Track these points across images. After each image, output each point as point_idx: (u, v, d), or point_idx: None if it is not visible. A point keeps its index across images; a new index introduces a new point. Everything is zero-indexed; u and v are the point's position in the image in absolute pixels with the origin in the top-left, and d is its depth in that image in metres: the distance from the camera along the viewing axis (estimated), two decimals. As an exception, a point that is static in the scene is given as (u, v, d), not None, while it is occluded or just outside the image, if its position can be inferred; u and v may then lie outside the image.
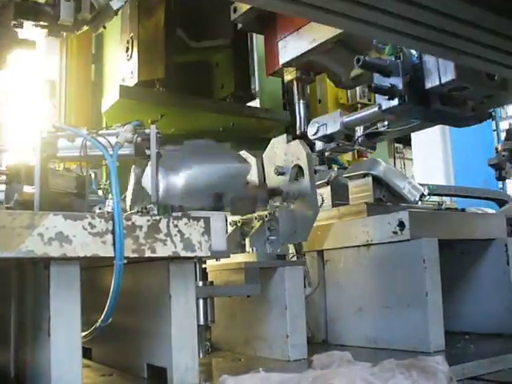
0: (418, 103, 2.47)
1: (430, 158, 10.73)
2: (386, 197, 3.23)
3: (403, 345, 2.79)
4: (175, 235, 2.11)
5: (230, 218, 3.17)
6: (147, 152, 2.30)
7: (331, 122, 3.06)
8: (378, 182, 3.20)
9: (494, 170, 3.05)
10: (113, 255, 1.98)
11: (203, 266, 2.65)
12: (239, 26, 3.70)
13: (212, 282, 2.63)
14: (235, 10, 3.61)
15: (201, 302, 2.55)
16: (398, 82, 2.46)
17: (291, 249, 2.95)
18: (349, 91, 5.54)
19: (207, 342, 3.05)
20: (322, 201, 3.26)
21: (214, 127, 4.69)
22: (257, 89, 5.24)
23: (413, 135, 12.34)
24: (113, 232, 1.98)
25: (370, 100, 5.51)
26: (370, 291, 2.96)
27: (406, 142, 13.15)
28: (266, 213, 2.91)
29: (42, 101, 4.83)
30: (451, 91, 2.49)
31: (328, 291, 3.22)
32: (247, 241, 2.88)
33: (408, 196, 3.24)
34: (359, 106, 5.42)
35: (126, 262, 2.00)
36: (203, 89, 4.93)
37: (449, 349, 2.73)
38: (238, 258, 2.88)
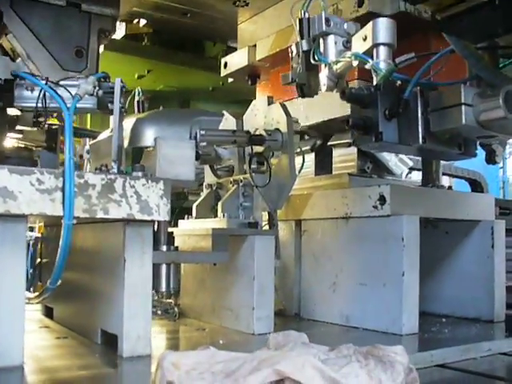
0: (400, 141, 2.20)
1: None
2: (371, 169, 3.08)
3: (375, 325, 2.66)
4: (131, 196, 1.97)
5: (206, 181, 3.04)
6: (110, 106, 2.14)
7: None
8: (363, 152, 3.04)
9: (484, 151, 2.90)
10: (61, 214, 1.84)
11: (169, 229, 2.50)
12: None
13: (177, 248, 2.48)
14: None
15: (163, 267, 2.42)
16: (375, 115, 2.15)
17: (265, 217, 2.82)
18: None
19: (175, 309, 2.97)
20: (301, 167, 3.09)
21: (204, 86, 4.51)
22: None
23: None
24: (63, 190, 1.84)
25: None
26: (346, 266, 2.83)
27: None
28: (241, 177, 2.76)
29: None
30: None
31: (303, 263, 3.09)
32: (219, 205, 2.73)
33: (394, 169, 3.09)
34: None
35: (75, 222, 1.86)
36: (194, 45, 4.74)
37: (422, 332, 2.60)
38: (208, 224, 2.74)
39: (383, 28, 2.11)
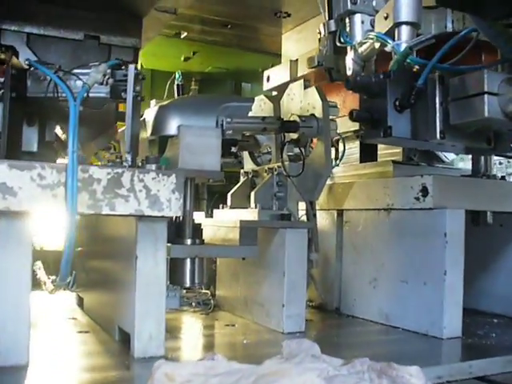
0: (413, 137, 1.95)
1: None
2: (418, 156, 2.87)
3: (415, 326, 2.49)
4: (140, 191, 1.84)
5: (242, 170, 2.90)
6: (124, 95, 2.02)
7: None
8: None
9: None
10: (64, 211, 1.74)
11: (196, 221, 2.37)
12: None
13: (203, 241, 2.36)
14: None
15: (188, 261, 2.30)
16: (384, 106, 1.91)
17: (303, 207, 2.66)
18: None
19: (211, 301, 2.87)
20: (342, 155, 2.92)
21: (254, 68, 4.34)
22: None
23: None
24: (65, 185, 1.73)
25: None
26: (387, 261, 2.65)
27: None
28: (275, 165, 2.61)
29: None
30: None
31: (344, 256, 2.92)
32: (252, 195, 2.59)
33: (444, 156, 2.88)
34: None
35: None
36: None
37: (466, 336, 2.41)
38: (240, 214, 2.61)
39: (405, 4, 1.81)
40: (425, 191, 2.43)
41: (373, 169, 2.90)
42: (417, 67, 1.89)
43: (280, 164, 2.58)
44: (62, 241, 1.79)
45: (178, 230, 2.31)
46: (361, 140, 2.08)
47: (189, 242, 2.30)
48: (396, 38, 1.87)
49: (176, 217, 2.28)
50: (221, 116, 2.29)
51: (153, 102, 2.79)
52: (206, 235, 2.47)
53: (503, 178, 2.82)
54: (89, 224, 2.65)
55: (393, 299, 2.61)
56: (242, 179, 2.89)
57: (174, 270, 2.31)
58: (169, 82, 3.74)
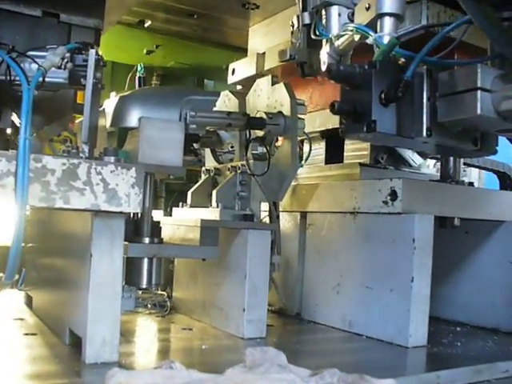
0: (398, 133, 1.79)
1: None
2: (386, 159, 2.79)
3: (380, 334, 2.40)
4: (97, 184, 1.71)
5: (204, 167, 2.79)
6: (83, 81, 1.89)
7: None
8: (377, 140, 2.76)
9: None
10: (13, 202, 1.60)
11: (155, 219, 2.25)
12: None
13: (162, 240, 2.24)
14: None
15: (145, 261, 2.18)
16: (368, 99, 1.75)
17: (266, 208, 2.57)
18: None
19: (168, 303, 2.75)
20: (308, 155, 2.83)
21: (218, 64, 4.22)
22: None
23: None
24: (15, 175, 1.60)
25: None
26: (352, 266, 2.56)
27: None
28: (239, 163, 2.51)
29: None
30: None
31: (307, 260, 2.83)
32: (213, 194, 2.48)
33: (412, 160, 2.80)
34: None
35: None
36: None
37: (431, 345, 2.33)
38: (201, 214, 2.50)
39: (389, -6, 1.73)
40: (394, 195, 2.34)
41: (339, 171, 2.81)
42: (403, 60, 1.79)
43: (244, 162, 2.47)
44: (10, 235, 1.66)
45: (135, 227, 2.19)
46: (341, 135, 1.92)
47: (147, 240, 2.18)
48: (378, 30, 1.78)
49: (134, 214, 2.16)
50: (184, 109, 2.18)
51: (113, 93, 2.67)
52: (165, 234, 2.35)
53: (471, 183, 2.75)
54: (40, 218, 2.51)
55: (357, 306, 2.52)
56: (202, 177, 2.77)
57: (130, 269, 2.18)
58: (130, 74, 3.61)
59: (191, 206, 2.69)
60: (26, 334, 2.17)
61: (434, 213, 2.38)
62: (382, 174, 2.63)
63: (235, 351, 2.14)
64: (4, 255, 1.79)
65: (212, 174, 2.71)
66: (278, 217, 2.53)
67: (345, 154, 2.89)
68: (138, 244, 2.13)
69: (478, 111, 1.59)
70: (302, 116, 2.49)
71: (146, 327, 2.47)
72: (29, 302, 2.70)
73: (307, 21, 2.05)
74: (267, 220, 2.54)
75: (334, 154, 2.94)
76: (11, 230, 1.66)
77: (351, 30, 1.84)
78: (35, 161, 1.63)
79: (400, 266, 2.33)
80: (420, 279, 2.30)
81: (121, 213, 1.79)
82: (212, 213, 2.44)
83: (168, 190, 4.07)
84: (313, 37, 2.01)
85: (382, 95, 1.71)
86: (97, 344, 1.81)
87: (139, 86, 3.47)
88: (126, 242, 2.01)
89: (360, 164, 2.71)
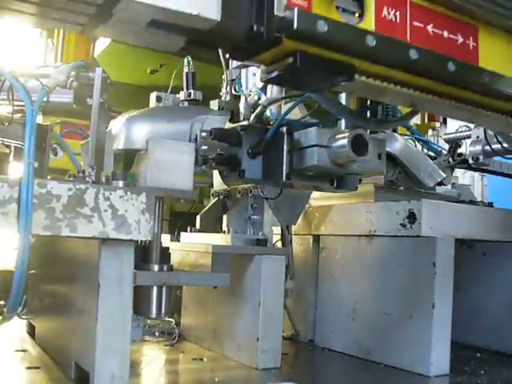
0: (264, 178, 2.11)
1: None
2: (400, 179, 2.70)
3: (400, 362, 2.30)
4: (105, 211, 1.62)
5: (213, 189, 2.69)
6: (89, 101, 1.80)
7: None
8: (391, 160, 2.67)
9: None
10: (16, 231, 1.51)
11: (164, 245, 2.15)
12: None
13: (171, 267, 2.13)
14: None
15: (154, 289, 2.07)
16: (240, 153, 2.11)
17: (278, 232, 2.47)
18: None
19: (176, 330, 2.65)
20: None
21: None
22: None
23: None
24: (19, 201, 1.50)
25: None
26: (369, 292, 2.47)
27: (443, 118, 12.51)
28: (250, 186, 2.42)
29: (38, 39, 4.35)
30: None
31: (321, 284, 2.73)
32: (224, 218, 2.39)
33: (426, 180, 2.70)
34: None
35: (33, 239, 1.53)
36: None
37: (454, 374, 2.23)
38: (211, 239, 2.40)
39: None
40: (412, 217, 2.26)
41: (352, 192, 2.71)
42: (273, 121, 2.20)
43: (255, 185, 2.38)
44: (13, 264, 1.56)
45: (143, 253, 2.08)
46: (223, 181, 2.34)
47: (156, 267, 2.07)
48: (268, 93, 2.22)
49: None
50: (195, 128, 2.09)
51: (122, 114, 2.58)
52: (174, 260, 2.24)
53: (490, 204, 2.66)
54: (44, 241, 2.41)
55: (374, 332, 2.42)
56: (211, 200, 2.67)
57: (139, 298, 2.07)
58: (175, 72, 3.38)
59: (200, 231, 2.59)
60: (29, 368, 2.06)
61: (455, 235, 2.29)
62: (396, 196, 2.54)
63: (251, 382, 2.04)
64: (4, 279, 1.69)
65: (221, 197, 2.61)
66: (290, 241, 2.43)
67: (358, 174, 2.79)
68: (147, 272, 2.03)
69: (315, 162, 1.94)
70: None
71: (154, 357, 2.37)
72: (31, 331, 2.59)
73: (233, 77, 2.46)
74: (279, 244, 2.44)
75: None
76: (14, 257, 1.57)
77: (255, 92, 2.29)
78: (39, 186, 1.54)
79: (420, 291, 2.24)
80: (441, 305, 2.21)
81: (130, 240, 1.69)
82: (223, 238, 2.35)
83: (172, 212, 3.96)
84: (233, 92, 2.45)
85: (249, 150, 2.07)
86: (105, 380, 1.71)
87: (187, 84, 3.24)
88: (134, 270, 1.91)
89: (374, 185, 2.61)
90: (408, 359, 2.27)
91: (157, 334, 2.70)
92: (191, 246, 2.37)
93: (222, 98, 2.62)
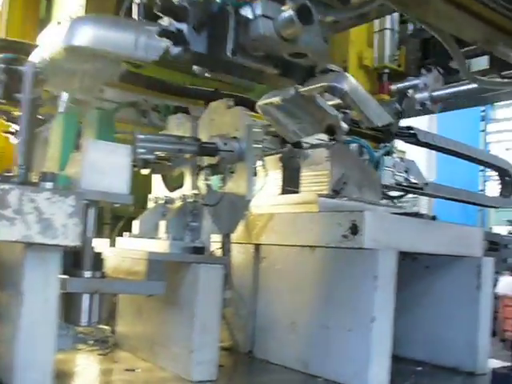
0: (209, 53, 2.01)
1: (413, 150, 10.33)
2: (346, 189, 2.63)
3: (338, 376, 2.25)
4: (29, 213, 1.53)
5: (152, 194, 2.61)
6: (18, 96, 1.70)
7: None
8: (337, 169, 2.60)
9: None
10: None
11: (97, 250, 2.06)
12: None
13: (103, 274, 2.04)
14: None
15: (85, 297, 1.98)
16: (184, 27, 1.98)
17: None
18: (376, 52, 4.92)
19: (110, 339, 2.55)
20: (264, 184, 2.67)
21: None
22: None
23: (399, 125, 11.91)
24: None
25: (399, 66, 4.95)
26: (309, 303, 2.41)
27: (390, 134, 12.66)
28: (191, 192, 2.34)
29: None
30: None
31: (260, 295, 2.66)
32: (162, 224, 2.31)
33: (375, 121, 2.51)
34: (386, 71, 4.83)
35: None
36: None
37: (392, 388, 2.18)
38: (148, 245, 2.32)
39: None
40: (354, 229, 2.20)
41: (295, 200, 2.66)
42: None
43: (196, 191, 2.31)
44: None
45: (75, 258, 1.99)
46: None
47: (88, 274, 1.98)
48: None
49: (74, 244, 1.97)
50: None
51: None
52: (109, 266, 2.17)
53: (434, 217, 2.63)
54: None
55: (313, 345, 2.36)
56: (150, 205, 2.59)
57: (69, 305, 1.98)
58: None
59: (138, 236, 2.50)
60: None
61: (398, 248, 2.25)
62: (341, 206, 2.49)
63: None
64: None
65: (161, 203, 2.53)
66: (229, 249, 2.36)
67: (301, 182, 2.74)
68: (78, 278, 1.94)
69: (261, 32, 1.92)
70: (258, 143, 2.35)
71: (85, 368, 2.27)
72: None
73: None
74: (218, 252, 2.37)
75: (291, 183, 2.79)
76: None
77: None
78: (-43, 186, 1.45)
79: (360, 304, 2.19)
80: (381, 319, 2.16)
81: (57, 245, 1.60)
82: (160, 244, 2.26)
83: (114, 216, 3.84)
84: None
85: (195, 24, 1.96)
86: (27, 393, 1.62)
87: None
88: (64, 276, 1.82)
89: (319, 194, 2.56)
90: (346, 373, 2.21)
91: (90, 342, 2.59)
92: (126, 252, 2.29)
93: None
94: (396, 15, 4.95)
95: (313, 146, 2.81)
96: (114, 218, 3.81)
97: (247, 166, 2.24)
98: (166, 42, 1.92)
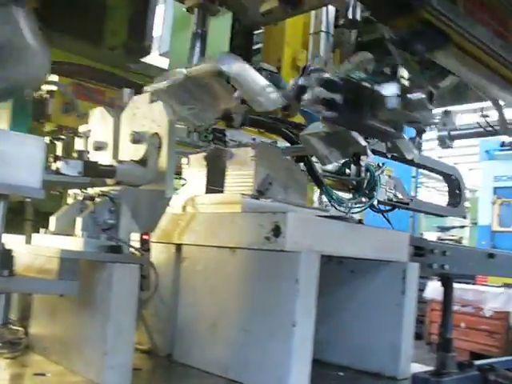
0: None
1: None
2: (271, 190, 2.58)
3: (258, 382, 2.19)
4: None
5: (72, 190, 2.51)
6: None
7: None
8: (261, 169, 2.56)
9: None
10: None
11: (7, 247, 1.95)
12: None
13: (12, 272, 1.93)
14: None
15: (-9, 297, 1.88)
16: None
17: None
18: (310, 54, 4.91)
19: (21, 341, 2.43)
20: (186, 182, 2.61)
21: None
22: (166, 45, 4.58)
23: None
24: None
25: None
26: (230, 306, 2.34)
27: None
28: (108, 188, 2.25)
29: None
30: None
31: (181, 296, 2.58)
32: (77, 221, 2.20)
33: (263, 104, 2.48)
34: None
35: None
36: (92, 32, 4.11)
37: (313, 395, 2.14)
38: (63, 243, 2.21)
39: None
40: (277, 230, 2.15)
41: (218, 200, 2.59)
42: None
43: (115, 187, 2.22)
44: None
45: (-19, 257, 1.88)
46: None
47: (-5, 272, 1.87)
48: None
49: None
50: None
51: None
52: (21, 264, 2.05)
53: (360, 221, 2.60)
54: None
55: (233, 350, 2.30)
56: (68, 200, 2.49)
57: (-28, 305, 1.87)
58: None
59: (55, 233, 2.40)
60: None
61: (321, 251, 2.20)
62: (265, 207, 2.44)
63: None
64: None
65: (80, 199, 2.43)
66: (148, 249, 2.28)
67: (226, 182, 2.67)
68: (-13, 276, 1.83)
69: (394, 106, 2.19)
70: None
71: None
72: None
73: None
74: (137, 252, 2.29)
75: (215, 183, 2.73)
76: None
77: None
78: None
79: (281, 308, 2.14)
80: (303, 324, 2.12)
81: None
82: (75, 242, 2.16)
83: (37, 211, 3.71)
84: None
85: None
86: None
87: None
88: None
89: (242, 194, 2.50)
90: (267, 380, 2.16)
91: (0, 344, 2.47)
92: (40, 250, 2.18)
93: None
94: (332, 18, 4.95)
95: (239, 145, 2.76)
96: (37, 215, 3.68)
97: (167, 162, 2.16)
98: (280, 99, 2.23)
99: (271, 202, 2.55)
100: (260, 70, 2.70)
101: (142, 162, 2.28)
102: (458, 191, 4.32)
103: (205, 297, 2.45)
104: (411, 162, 3.91)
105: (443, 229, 16.28)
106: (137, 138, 2.28)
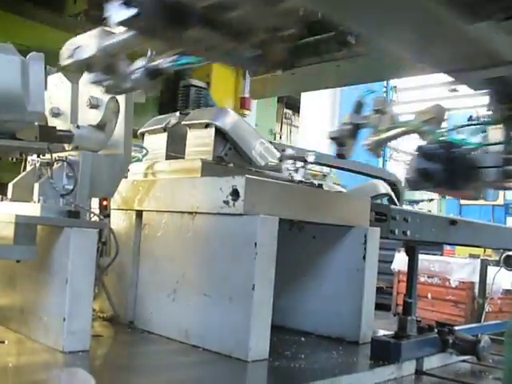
0: (169, 20, 1.51)
1: (317, 127, 10.48)
2: (230, 156, 2.58)
3: (218, 346, 2.19)
4: None
5: (29, 156, 2.48)
6: None
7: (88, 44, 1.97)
8: (222, 136, 2.55)
9: (334, 144, 2.49)
10: None
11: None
12: None
13: (-33, 237, 1.92)
14: None
15: None
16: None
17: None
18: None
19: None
20: (147, 151, 2.59)
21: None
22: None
23: (302, 102, 11.97)
24: None
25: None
26: (189, 272, 2.34)
27: (297, 108, 12.86)
28: (66, 154, 2.22)
29: None
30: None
31: (142, 263, 2.57)
32: (35, 187, 2.18)
33: (257, 159, 2.60)
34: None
35: None
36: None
37: (273, 358, 2.15)
38: (20, 209, 2.18)
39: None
40: (235, 194, 2.14)
41: (178, 166, 2.58)
42: None
43: (73, 152, 2.19)
44: None
45: None
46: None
47: None
48: None
49: None
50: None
51: None
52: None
53: (320, 185, 2.60)
54: None
55: (194, 315, 2.30)
56: (28, 167, 2.46)
57: None
58: None
59: (12, 200, 2.37)
60: None
61: (280, 215, 2.20)
62: (225, 172, 2.43)
63: (48, 370, 1.86)
64: None
65: (37, 165, 2.40)
66: (108, 215, 2.26)
67: (187, 149, 2.66)
68: None
69: None
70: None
71: None
72: None
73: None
74: (97, 218, 2.27)
75: (176, 149, 2.71)
76: None
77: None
78: None
79: (240, 272, 2.13)
80: (262, 287, 2.11)
81: None
82: (32, 208, 2.14)
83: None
84: None
85: None
86: None
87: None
88: None
89: (201, 160, 2.48)
90: (227, 344, 2.16)
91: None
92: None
93: None
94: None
95: (198, 112, 2.75)
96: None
97: (125, 126, 2.14)
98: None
99: (232, 167, 2.54)
100: (189, 86, 2.71)
101: (100, 126, 2.26)
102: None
103: (165, 263, 2.45)
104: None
105: (412, 202, 16.51)
106: (95, 103, 2.26)
